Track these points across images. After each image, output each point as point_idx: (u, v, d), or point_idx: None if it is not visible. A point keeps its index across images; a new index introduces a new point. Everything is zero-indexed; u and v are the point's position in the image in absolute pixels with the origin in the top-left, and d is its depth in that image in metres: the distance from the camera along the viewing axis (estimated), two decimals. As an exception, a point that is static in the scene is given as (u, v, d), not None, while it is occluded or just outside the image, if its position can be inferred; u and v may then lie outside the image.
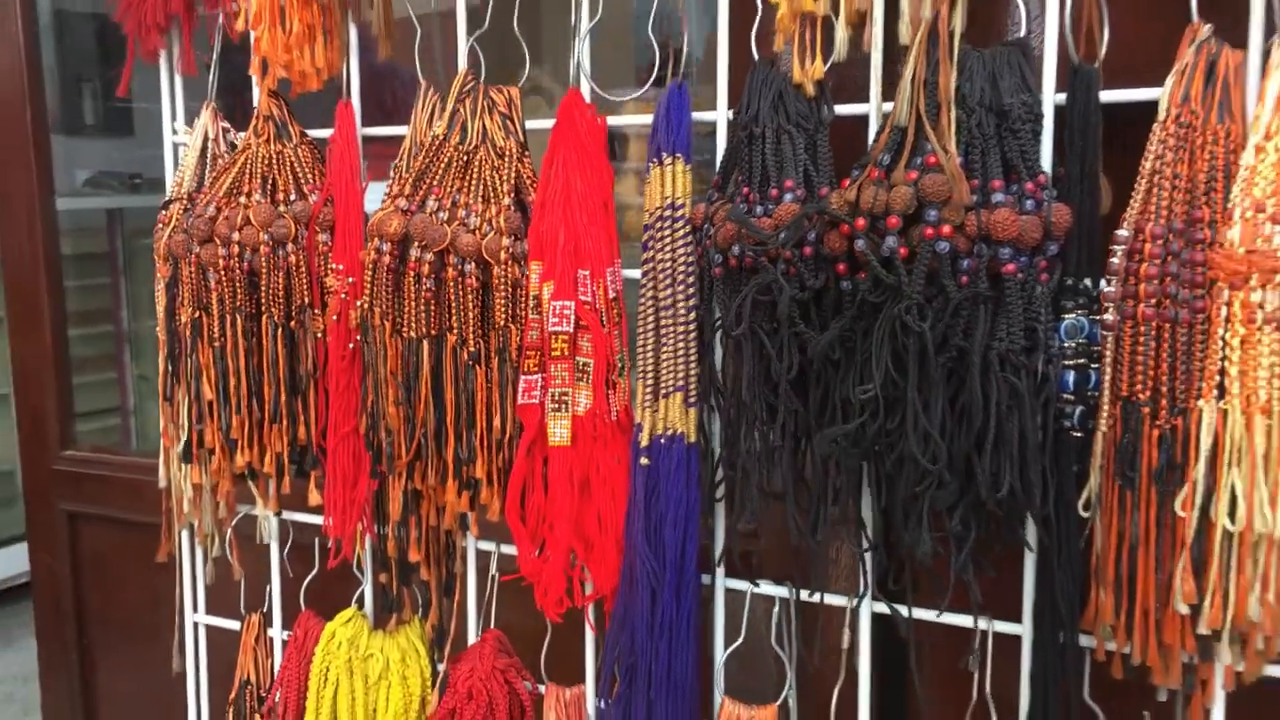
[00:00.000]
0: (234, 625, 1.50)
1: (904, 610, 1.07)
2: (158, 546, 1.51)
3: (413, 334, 1.18)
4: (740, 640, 1.16)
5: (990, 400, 0.91)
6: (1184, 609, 0.90)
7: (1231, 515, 0.87)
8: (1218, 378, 0.87)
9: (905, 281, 0.92)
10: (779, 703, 1.15)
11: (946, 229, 0.91)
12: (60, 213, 2.37)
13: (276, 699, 1.38)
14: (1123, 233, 0.91)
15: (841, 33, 1.02)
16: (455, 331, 1.18)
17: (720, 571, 1.17)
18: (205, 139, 1.40)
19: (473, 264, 1.16)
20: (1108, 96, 0.94)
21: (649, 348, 1.12)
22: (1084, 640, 1.00)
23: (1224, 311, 0.86)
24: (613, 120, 1.15)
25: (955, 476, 0.94)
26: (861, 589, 1.09)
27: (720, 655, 1.18)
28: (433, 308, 1.18)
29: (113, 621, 2.29)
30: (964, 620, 1.07)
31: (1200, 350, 0.88)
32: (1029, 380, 0.92)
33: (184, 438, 1.38)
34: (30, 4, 2.22)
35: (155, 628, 1.94)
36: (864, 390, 0.95)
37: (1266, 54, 0.89)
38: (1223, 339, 0.86)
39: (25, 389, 2.32)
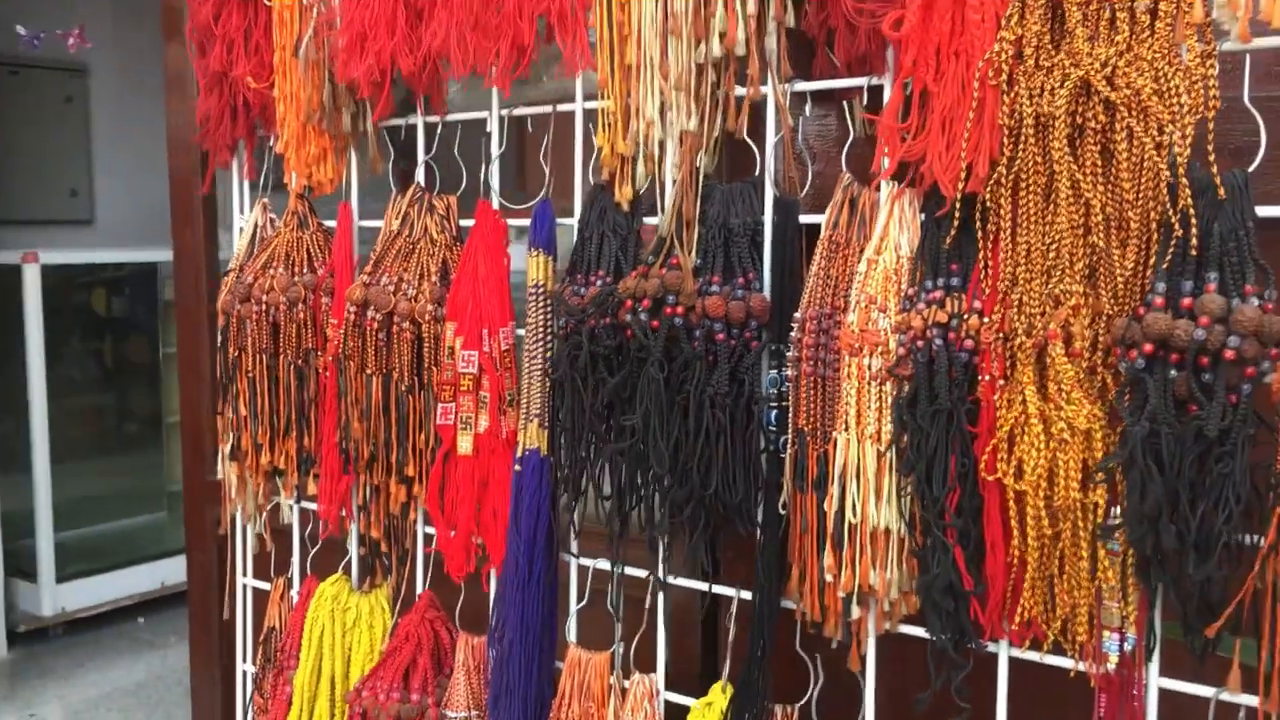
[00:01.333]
0: (267, 586, 2.01)
1: (702, 585, 1.48)
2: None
3: (369, 372, 1.66)
4: (585, 600, 1.59)
5: (703, 428, 1.32)
6: (829, 578, 1.28)
7: (855, 512, 1.25)
8: (845, 417, 1.26)
9: (653, 344, 1.34)
10: (611, 650, 1.56)
11: (680, 309, 1.33)
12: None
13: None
14: (798, 315, 1.31)
15: (641, 169, 1.45)
16: (397, 370, 1.65)
17: (575, 549, 1.59)
18: (255, 225, 1.93)
19: (408, 322, 1.63)
20: (805, 219, 1.34)
21: (522, 386, 1.57)
22: (793, 605, 1.38)
23: (847, 370, 1.25)
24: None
25: (688, 482, 1.35)
26: (656, 565, 1.50)
27: (573, 608, 1.60)
28: (383, 353, 1.66)
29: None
30: (742, 593, 1.47)
31: (836, 397, 1.27)
32: (737, 415, 1.33)
33: (230, 441, 1.90)
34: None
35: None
36: (628, 419, 1.37)
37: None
38: (847, 390, 1.25)
39: (189, 416, 2.77)
